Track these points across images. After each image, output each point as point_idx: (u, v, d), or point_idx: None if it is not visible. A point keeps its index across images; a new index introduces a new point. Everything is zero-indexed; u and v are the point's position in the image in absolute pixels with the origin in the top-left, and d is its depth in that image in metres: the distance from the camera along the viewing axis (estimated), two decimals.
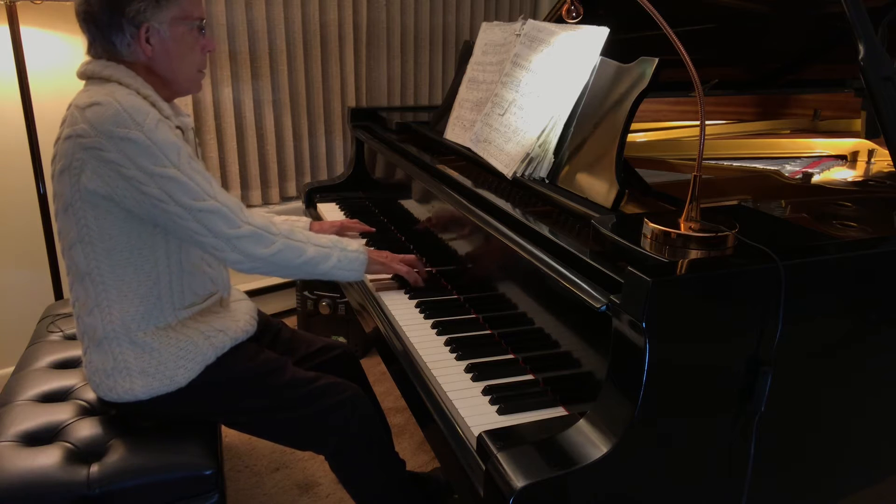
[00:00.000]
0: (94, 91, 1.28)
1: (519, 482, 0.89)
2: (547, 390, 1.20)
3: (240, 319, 1.52)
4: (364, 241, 1.87)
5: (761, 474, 1.07)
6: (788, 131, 2.24)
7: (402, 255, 1.62)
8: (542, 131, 1.44)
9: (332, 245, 1.43)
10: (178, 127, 1.36)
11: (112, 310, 1.35)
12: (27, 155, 2.19)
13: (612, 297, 0.97)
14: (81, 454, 1.34)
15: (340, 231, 1.85)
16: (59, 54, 2.29)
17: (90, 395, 1.48)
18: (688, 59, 1.03)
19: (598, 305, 1.01)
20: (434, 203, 1.74)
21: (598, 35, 1.43)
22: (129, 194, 1.26)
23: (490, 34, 1.82)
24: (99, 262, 1.32)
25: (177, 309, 1.41)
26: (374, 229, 1.90)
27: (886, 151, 1.28)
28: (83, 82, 1.35)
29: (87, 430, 1.39)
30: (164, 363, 1.37)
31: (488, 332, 1.42)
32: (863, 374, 1.14)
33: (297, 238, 1.38)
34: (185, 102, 2.50)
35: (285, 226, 1.40)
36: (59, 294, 2.33)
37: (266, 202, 2.88)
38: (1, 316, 2.39)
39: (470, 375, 1.25)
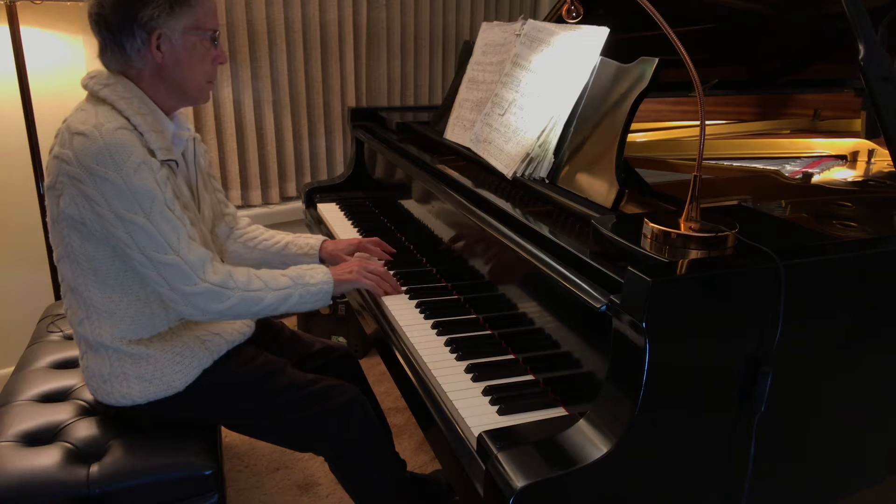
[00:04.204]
0: (87, 113, 1.26)
1: (519, 482, 0.89)
2: (547, 390, 1.20)
3: (236, 322, 1.51)
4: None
5: (761, 474, 1.07)
6: (788, 131, 2.24)
7: (372, 265, 1.59)
8: (542, 131, 1.44)
9: (292, 285, 1.42)
10: (169, 161, 1.33)
11: (102, 325, 1.35)
12: (27, 155, 2.19)
13: (612, 297, 0.97)
14: (81, 454, 1.34)
15: (357, 251, 1.75)
16: (59, 54, 2.29)
17: (90, 396, 1.48)
18: (688, 59, 1.03)
19: (598, 305, 1.01)
20: (434, 203, 1.74)
21: (598, 35, 1.43)
22: (99, 228, 1.27)
23: (490, 34, 1.82)
24: (86, 280, 1.33)
25: (170, 322, 1.41)
26: (394, 250, 1.77)
27: (886, 151, 1.28)
28: (83, 84, 1.35)
29: (86, 430, 1.39)
30: (161, 369, 1.37)
31: (488, 332, 1.41)
32: (863, 374, 1.14)
33: (255, 287, 1.37)
34: None
35: (243, 276, 1.36)
36: (59, 294, 2.31)
37: (266, 202, 2.88)
38: (1, 316, 2.39)
39: (470, 376, 1.25)
